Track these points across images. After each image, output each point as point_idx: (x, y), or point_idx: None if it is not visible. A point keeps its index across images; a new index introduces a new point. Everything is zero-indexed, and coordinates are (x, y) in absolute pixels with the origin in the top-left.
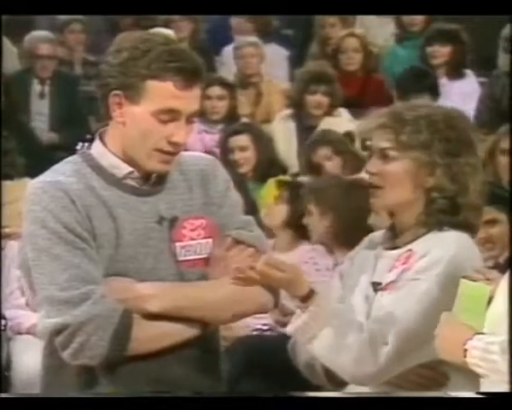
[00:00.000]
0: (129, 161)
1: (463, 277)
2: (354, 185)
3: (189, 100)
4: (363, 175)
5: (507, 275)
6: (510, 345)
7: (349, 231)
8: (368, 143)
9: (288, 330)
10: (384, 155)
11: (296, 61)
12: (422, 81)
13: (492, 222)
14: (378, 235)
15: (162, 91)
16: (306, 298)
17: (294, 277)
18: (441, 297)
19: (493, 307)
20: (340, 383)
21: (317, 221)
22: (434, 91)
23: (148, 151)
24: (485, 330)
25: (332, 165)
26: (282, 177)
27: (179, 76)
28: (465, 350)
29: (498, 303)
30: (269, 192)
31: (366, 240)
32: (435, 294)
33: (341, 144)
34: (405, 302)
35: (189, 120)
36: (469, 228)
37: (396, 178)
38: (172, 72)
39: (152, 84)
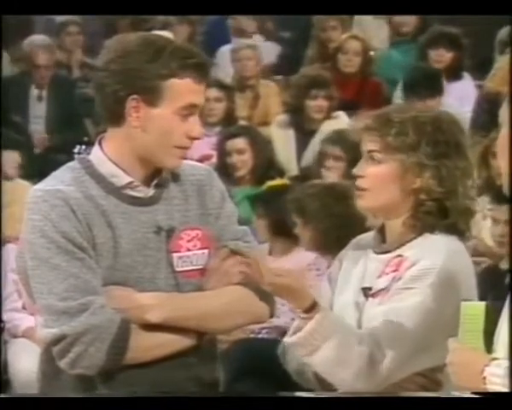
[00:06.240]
0: (141, 163)
1: (463, 299)
2: (333, 192)
3: (202, 94)
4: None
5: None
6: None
7: (334, 238)
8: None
9: (288, 340)
10: (370, 158)
11: (294, 62)
12: (430, 81)
13: None
14: (366, 237)
15: (183, 88)
16: (309, 310)
17: (298, 285)
18: (435, 307)
19: (503, 329)
20: (331, 388)
21: (301, 230)
22: (441, 90)
23: (168, 149)
24: (500, 354)
25: (334, 168)
26: (277, 181)
27: (197, 72)
28: (484, 378)
29: (506, 325)
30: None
31: (354, 242)
32: (429, 304)
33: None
34: (399, 313)
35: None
36: (459, 232)
37: (381, 181)
38: (191, 68)
39: (173, 83)
